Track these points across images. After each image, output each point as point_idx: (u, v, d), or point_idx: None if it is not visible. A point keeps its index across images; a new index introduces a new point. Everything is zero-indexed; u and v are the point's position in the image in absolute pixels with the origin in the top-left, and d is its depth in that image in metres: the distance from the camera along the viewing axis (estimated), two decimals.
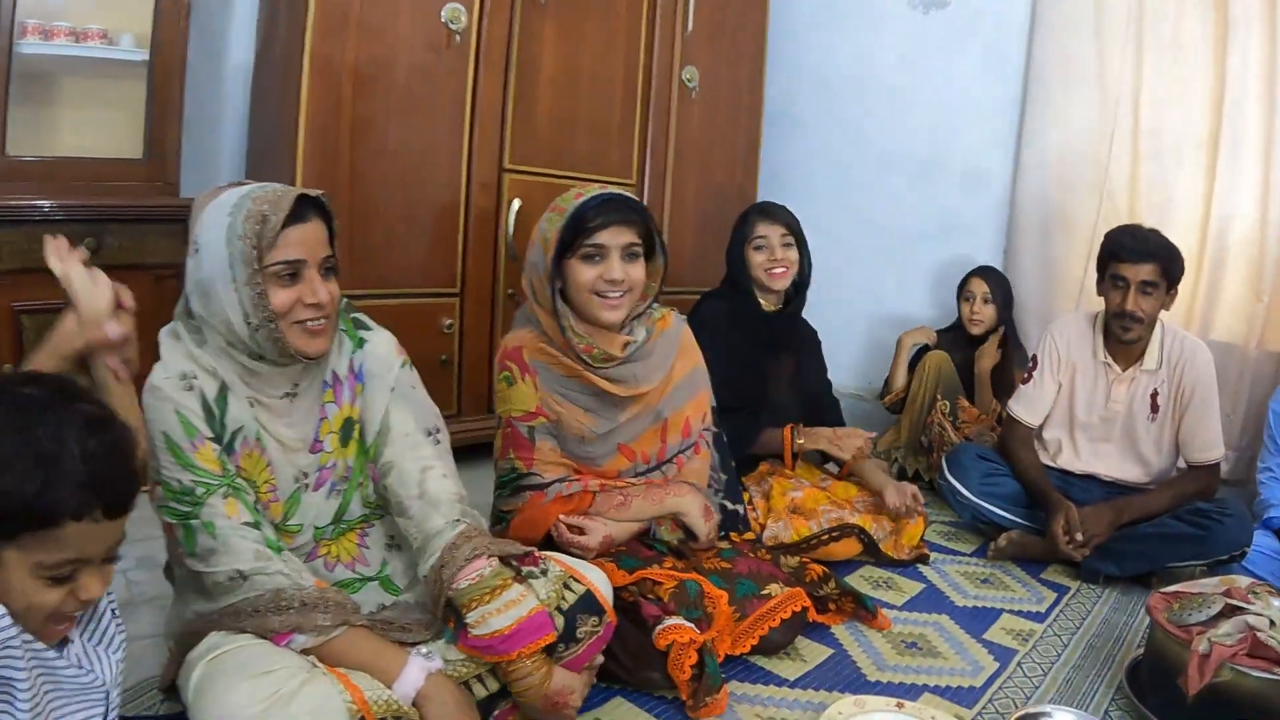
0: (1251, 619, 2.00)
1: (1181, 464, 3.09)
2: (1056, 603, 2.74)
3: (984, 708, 2.10)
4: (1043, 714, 1.97)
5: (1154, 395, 3.03)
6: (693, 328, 2.51)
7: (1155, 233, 2.98)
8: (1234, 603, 2.08)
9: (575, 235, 2.12)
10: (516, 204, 3.19)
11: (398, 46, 2.99)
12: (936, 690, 2.16)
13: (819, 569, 2.45)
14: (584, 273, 2.13)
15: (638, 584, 2.08)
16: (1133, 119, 3.81)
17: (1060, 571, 2.97)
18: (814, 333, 3.26)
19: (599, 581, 1.88)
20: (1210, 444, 3.01)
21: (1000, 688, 2.20)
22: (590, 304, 2.16)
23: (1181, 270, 2.96)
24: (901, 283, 4.36)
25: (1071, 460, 3.16)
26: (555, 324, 2.16)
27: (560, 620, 1.74)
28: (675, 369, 2.37)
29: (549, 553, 1.88)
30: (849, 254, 4.42)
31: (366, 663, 1.59)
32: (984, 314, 3.79)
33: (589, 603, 1.82)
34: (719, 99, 3.92)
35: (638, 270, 2.18)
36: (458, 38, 3.06)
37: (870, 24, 4.43)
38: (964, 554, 3.09)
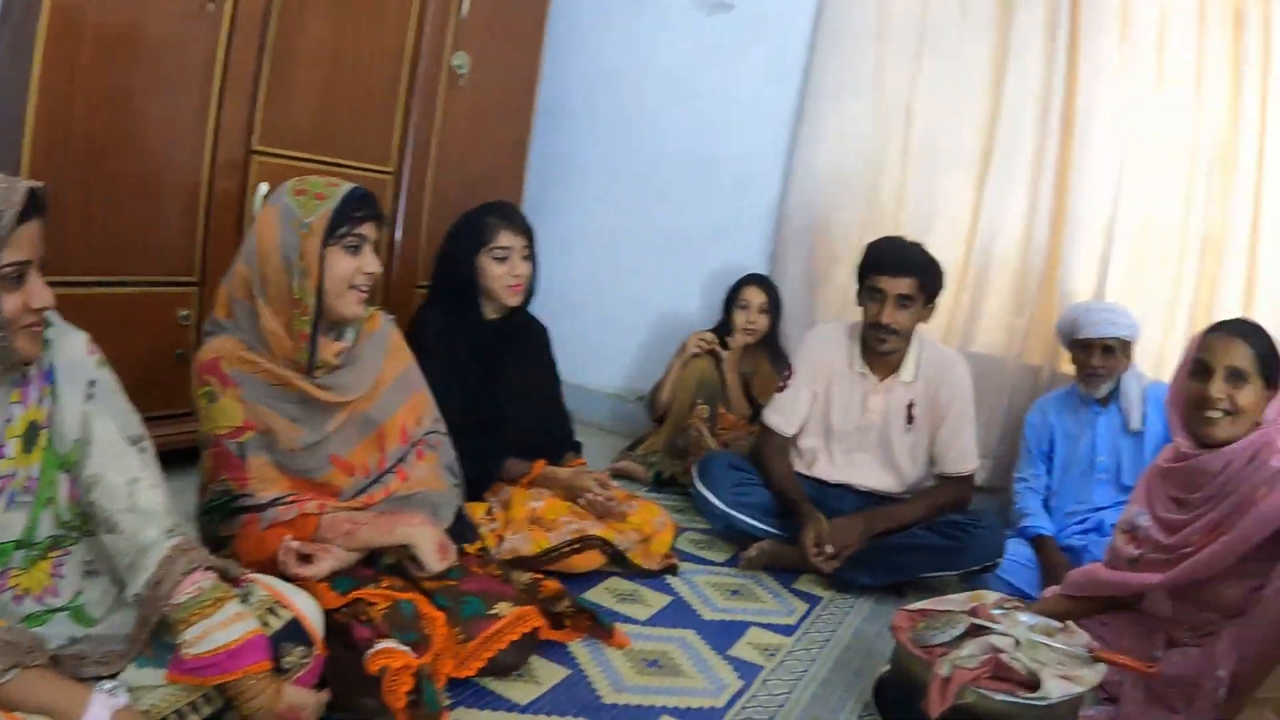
0: (995, 639, 2.05)
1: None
2: (807, 614, 2.77)
3: None
4: None
5: (910, 406, 3.11)
6: (413, 344, 2.42)
7: (916, 246, 3.07)
8: (979, 622, 2.12)
9: (343, 223, 2.03)
10: (263, 188, 2.95)
11: (149, 11, 2.70)
12: (676, 712, 2.11)
13: (553, 585, 2.37)
14: (344, 264, 2.04)
15: (350, 605, 1.96)
16: (905, 132, 3.95)
17: (813, 581, 3.00)
18: (543, 331, 3.14)
19: (306, 609, 1.76)
20: (965, 456, 3.12)
21: (743, 708, 2.18)
22: (345, 297, 2.06)
23: (940, 285, 3.06)
24: (673, 283, 4.36)
25: (827, 470, 3.21)
26: (288, 323, 2.03)
27: None
28: (385, 372, 2.27)
29: (254, 574, 1.76)
30: (619, 253, 4.41)
31: (45, 706, 1.42)
32: (759, 323, 3.83)
33: (294, 631, 1.70)
34: (490, 88, 3.79)
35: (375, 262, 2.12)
36: (211, 5, 2.80)
37: (654, 22, 4.42)
38: (716, 563, 3.07)
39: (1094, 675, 2.07)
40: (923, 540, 2.93)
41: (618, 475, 3.68)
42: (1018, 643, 2.08)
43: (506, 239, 2.80)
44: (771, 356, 3.84)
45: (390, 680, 1.83)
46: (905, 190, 3.95)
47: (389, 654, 1.85)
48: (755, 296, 3.83)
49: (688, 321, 4.18)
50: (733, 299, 3.89)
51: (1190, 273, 3.64)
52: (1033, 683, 1.96)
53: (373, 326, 2.27)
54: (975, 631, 2.11)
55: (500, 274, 2.80)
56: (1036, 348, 3.79)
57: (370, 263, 2.08)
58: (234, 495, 2.02)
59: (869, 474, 3.18)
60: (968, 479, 3.14)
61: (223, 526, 2.03)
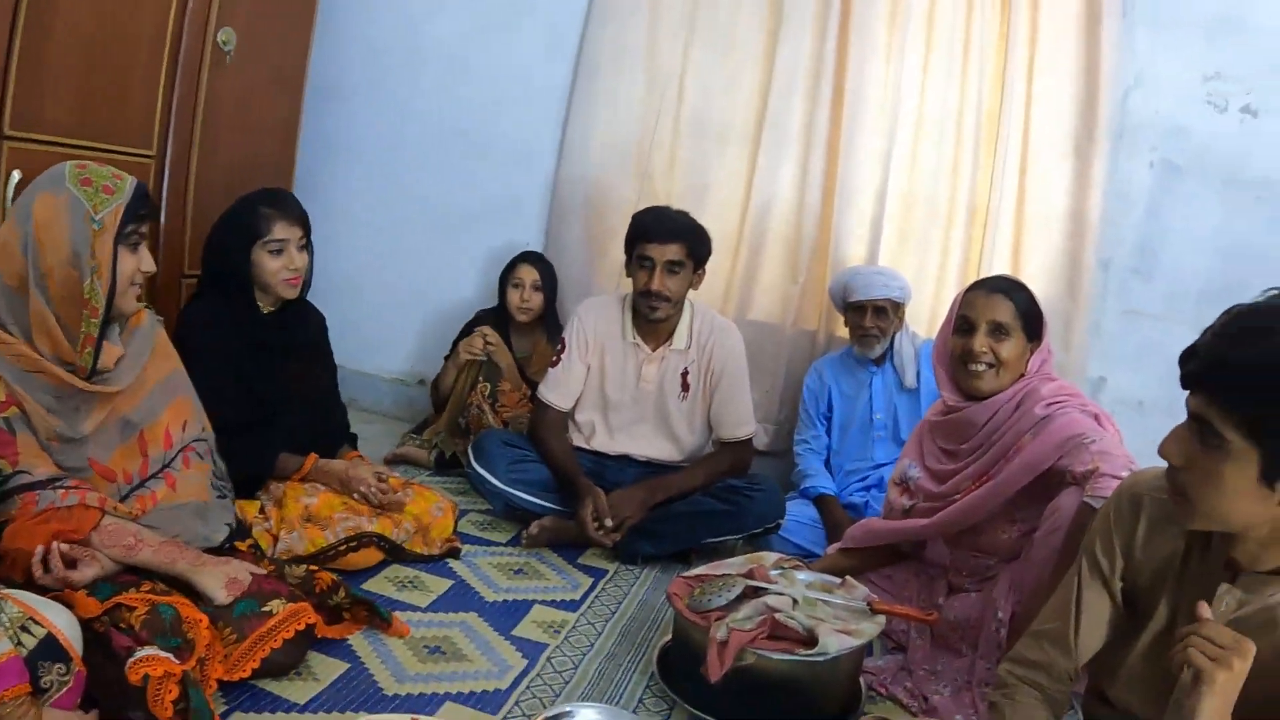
0: (772, 600, 2.19)
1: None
2: (592, 588, 2.87)
3: (510, 711, 2.13)
4: (566, 714, 2.03)
5: (684, 374, 3.26)
6: (182, 340, 2.41)
7: (682, 214, 3.20)
8: (756, 584, 2.26)
9: (130, 220, 2.04)
10: (16, 175, 2.79)
11: None
12: (459, 698, 2.17)
13: (329, 577, 2.38)
14: (129, 262, 2.05)
15: (109, 612, 1.93)
16: (678, 104, 4.08)
17: (598, 555, 3.11)
18: (321, 320, 3.10)
19: (61, 623, 1.72)
20: (741, 421, 3.28)
21: (529, 688, 2.25)
22: (127, 295, 2.08)
23: (708, 250, 3.21)
24: (451, 263, 4.37)
25: (605, 442, 3.32)
26: (74, 323, 2.01)
27: None
28: (149, 372, 2.23)
29: (5, 590, 1.71)
30: (395, 233, 4.39)
31: None
32: (534, 301, 3.89)
33: (51, 648, 1.67)
34: (259, 64, 3.68)
35: (147, 260, 2.12)
36: None
37: None
38: (498, 544, 3.14)
39: (873, 628, 2.24)
40: (703, 506, 3.08)
41: (399, 460, 3.71)
42: (795, 601, 2.22)
43: (282, 231, 2.75)
44: (548, 334, 3.92)
45: (154, 689, 1.82)
46: (678, 162, 4.09)
47: (150, 662, 1.82)
48: (528, 275, 3.89)
49: (467, 301, 4.21)
50: (506, 278, 3.94)
51: (959, 239, 3.92)
52: (810, 639, 2.10)
53: (137, 322, 2.23)
54: (752, 593, 2.24)
55: (276, 268, 2.75)
56: (811, 313, 4.00)
57: (147, 260, 2.09)
58: (5, 474, 1.95)
59: (648, 444, 3.31)
60: (746, 443, 3.31)
61: None
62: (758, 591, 2.25)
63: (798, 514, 3.38)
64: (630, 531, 3.02)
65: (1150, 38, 3.80)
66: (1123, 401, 3.90)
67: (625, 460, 3.31)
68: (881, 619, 2.29)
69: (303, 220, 2.83)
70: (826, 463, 3.66)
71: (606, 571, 3.01)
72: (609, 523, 2.98)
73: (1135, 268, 3.94)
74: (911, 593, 2.76)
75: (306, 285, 2.91)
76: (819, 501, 3.47)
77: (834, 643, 2.09)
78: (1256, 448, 1.42)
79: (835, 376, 3.68)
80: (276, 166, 3.88)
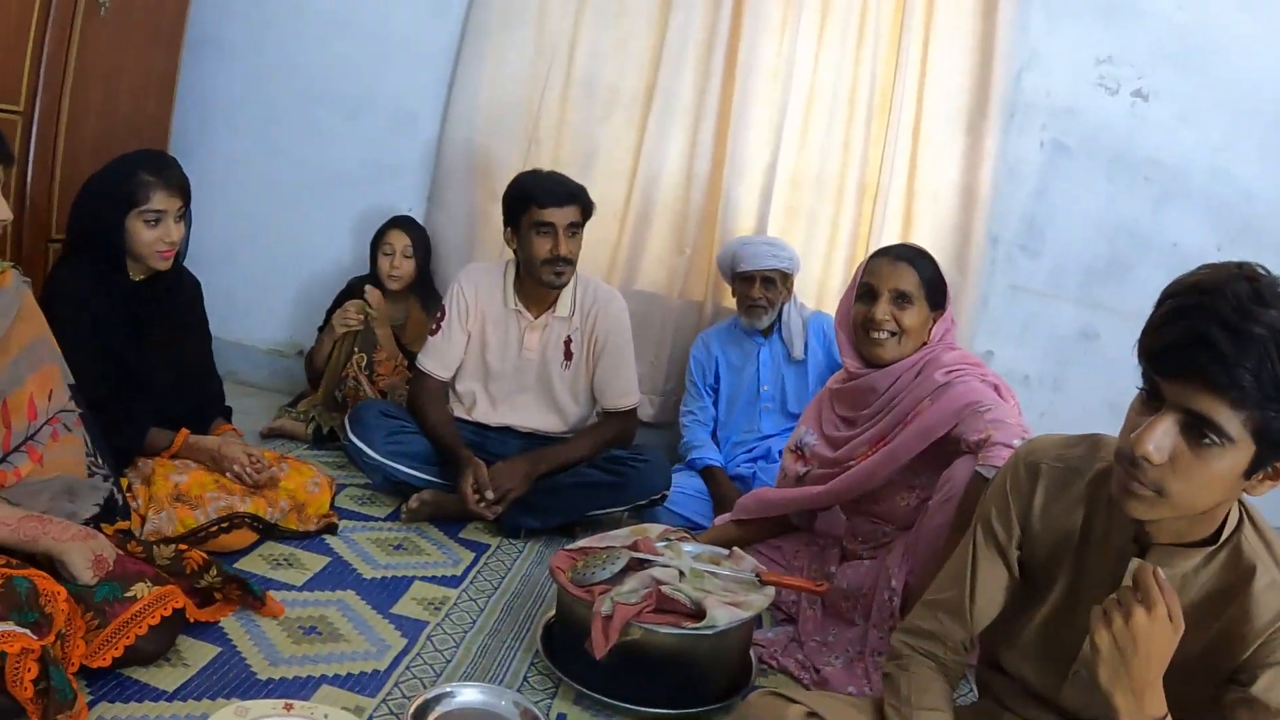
0: (658, 572, 2.19)
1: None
2: (474, 563, 2.85)
3: (389, 693, 2.10)
4: (445, 695, 2.01)
5: (567, 342, 3.24)
6: (48, 306, 2.28)
7: (568, 177, 3.19)
8: (641, 556, 2.25)
9: None
10: None
11: None
12: (336, 680, 2.13)
13: (199, 557, 2.30)
14: None
15: None
16: (567, 69, 4.04)
17: (481, 529, 3.09)
18: (196, 288, 2.99)
19: None
20: (626, 391, 3.29)
21: (409, 668, 2.23)
22: None
23: (593, 209, 3.20)
24: (330, 229, 4.27)
25: (487, 413, 3.30)
26: None
27: None
28: (13, 337, 2.12)
29: None
30: (274, 197, 4.27)
31: None
32: (404, 268, 3.82)
33: None
34: (135, 18, 3.54)
35: None
36: None
37: None
38: (378, 519, 3.09)
39: (762, 599, 2.25)
40: (588, 478, 3.08)
41: (276, 434, 3.63)
42: (682, 574, 2.22)
43: (161, 201, 2.61)
44: (423, 301, 3.87)
45: (12, 668, 1.74)
46: (566, 127, 4.06)
47: (6, 638, 1.75)
48: (398, 240, 3.83)
49: (345, 269, 4.13)
50: (376, 244, 3.87)
51: (849, 212, 3.99)
52: (698, 612, 2.11)
53: (3, 283, 2.11)
54: (637, 566, 2.23)
55: (151, 239, 2.61)
56: (698, 284, 4.03)
57: (2, 208, 1.97)
58: None
59: (530, 415, 3.30)
60: (631, 413, 3.32)
61: None
62: (643, 564, 2.25)
63: (684, 486, 3.39)
64: (513, 505, 3.01)
65: (1045, 19, 3.93)
66: (1009, 375, 4.00)
67: (508, 432, 3.29)
68: (771, 590, 2.32)
69: (184, 190, 2.70)
70: (713, 435, 3.69)
71: (489, 546, 2.99)
72: (490, 495, 2.95)
73: (1023, 244, 4.06)
74: (803, 563, 2.79)
75: (181, 255, 2.81)
76: (705, 473, 3.49)
77: (723, 615, 2.10)
78: (1255, 444, 1.38)
79: (722, 347, 3.70)
80: (152, 125, 3.77)
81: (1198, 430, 1.38)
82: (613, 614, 2.06)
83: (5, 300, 2.12)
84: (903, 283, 2.53)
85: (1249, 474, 1.41)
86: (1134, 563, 1.49)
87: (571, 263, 3.13)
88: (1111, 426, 4.36)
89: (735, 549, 2.48)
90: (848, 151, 3.98)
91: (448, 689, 2.03)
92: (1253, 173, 4.07)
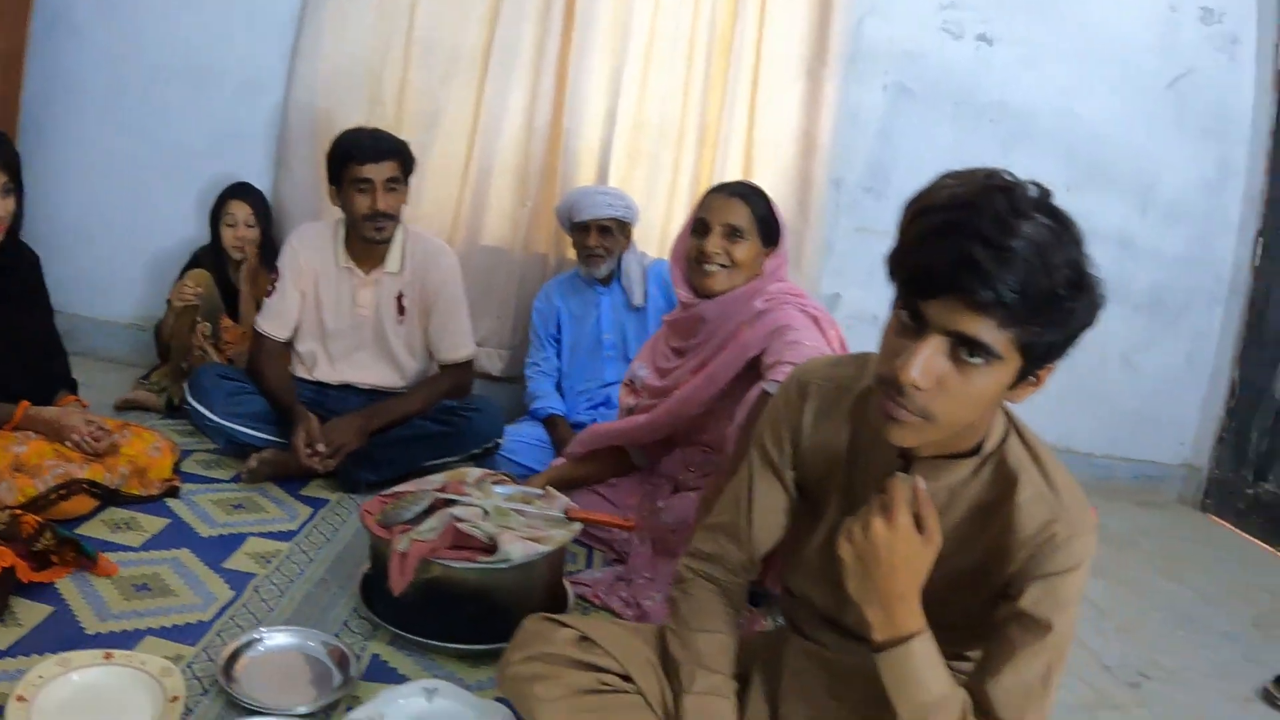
0: (458, 510, 2.34)
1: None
2: (310, 519, 2.99)
3: (209, 642, 2.24)
4: (257, 640, 2.17)
5: (399, 297, 3.38)
6: None
7: (384, 131, 3.30)
8: (446, 496, 2.41)
9: None
10: None
11: None
12: (160, 632, 2.26)
13: (33, 520, 2.43)
14: None
15: None
16: (408, 30, 4.12)
17: (321, 486, 3.22)
18: (34, 262, 3.06)
19: None
20: (460, 343, 3.44)
21: (231, 617, 2.37)
22: None
23: (414, 163, 3.33)
24: (178, 202, 4.30)
25: (327, 371, 3.44)
26: None
27: None
28: None
29: None
30: (123, 174, 4.30)
31: None
32: (248, 237, 3.90)
33: None
34: None
35: None
36: None
37: None
38: (222, 481, 3.21)
39: (565, 534, 2.41)
40: (422, 430, 3.24)
41: (131, 405, 3.70)
42: (485, 512, 2.37)
43: None
44: (270, 267, 3.93)
45: None
46: (409, 88, 4.15)
47: None
48: (239, 210, 3.90)
49: (193, 240, 4.18)
50: (217, 215, 3.94)
51: (689, 160, 4.15)
52: (493, 548, 2.26)
53: None
54: (443, 506, 2.38)
55: None
56: (542, 237, 4.17)
57: None
58: None
59: (369, 372, 3.44)
60: (466, 365, 3.48)
61: None
62: (449, 504, 2.38)
63: (526, 435, 3.55)
64: (350, 458, 3.15)
65: None
66: (858, 317, 4.21)
67: (348, 390, 3.43)
68: (577, 526, 2.46)
69: (8, 164, 2.77)
70: (558, 385, 3.82)
71: (328, 501, 3.13)
72: (321, 448, 3.08)
73: (868, 187, 4.24)
74: (635, 501, 2.94)
75: (16, 229, 2.89)
76: (548, 422, 3.66)
77: (517, 550, 2.25)
78: (1021, 357, 1.37)
79: (564, 298, 3.85)
80: (3, 105, 3.81)
81: (966, 349, 1.34)
82: (409, 550, 2.21)
83: None
84: (734, 217, 2.68)
85: (1013, 385, 1.41)
86: (898, 476, 1.50)
87: (392, 217, 3.25)
88: None
89: (549, 489, 2.64)
90: (687, 99, 4.12)
91: (260, 634, 2.19)
92: (1100, 114, 4.29)
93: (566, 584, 2.58)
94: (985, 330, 1.32)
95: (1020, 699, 1.48)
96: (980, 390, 1.37)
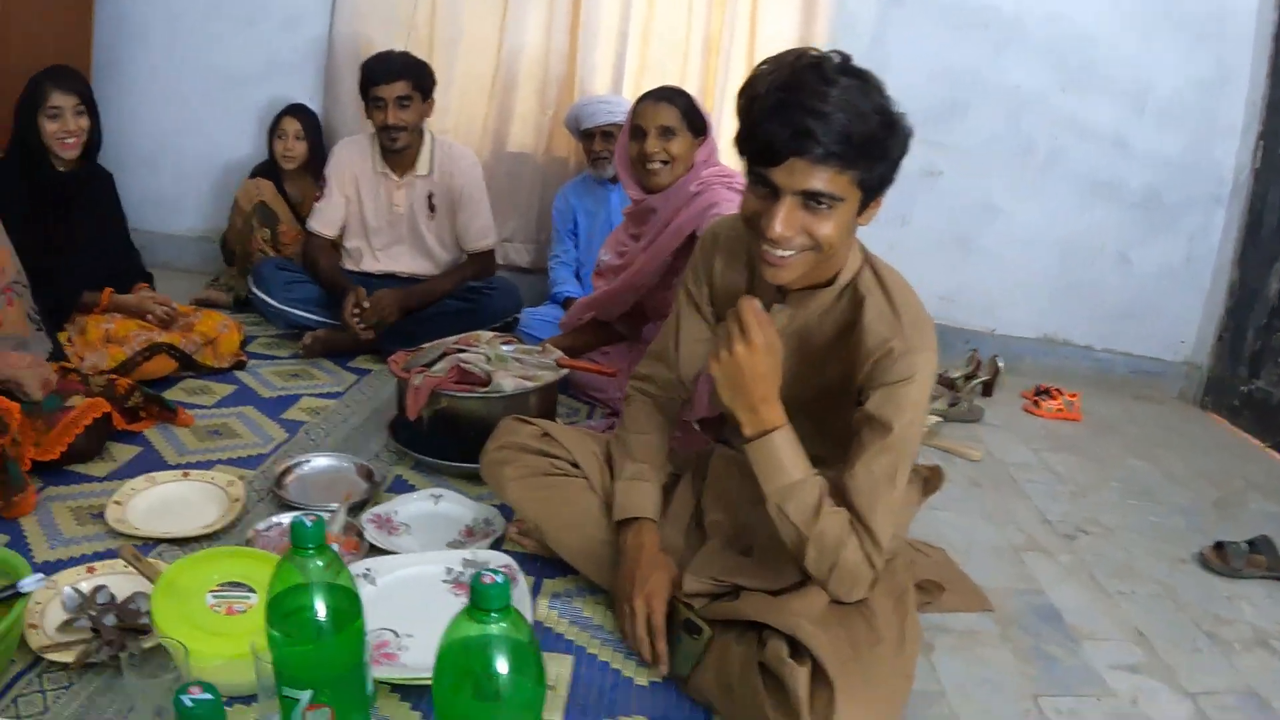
0: (465, 356, 2.85)
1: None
2: (356, 384, 3.53)
3: (266, 467, 2.79)
4: (303, 461, 2.74)
5: (430, 197, 3.90)
6: None
7: (404, 54, 3.79)
8: (457, 348, 2.92)
9: None
10: None
11: None
12: (227, 462, 2.82)
13: (126, 382, 2.99)
14: None
15: None
16: None
17: (367, 360, 3.76)
18: (108, 178, 3.64)
19: None
20: (483, 234, 3.98)
21: (285, 449, 2.93)
22: None
23: (432, 81, 3.81)
24: (236, 126, 4.81)
25: (371, 264, 3.99)
26: None
27: None
28: None
29: None
30: (186, 103, 4.79)
31: None
32: (296, 150, 4.36)
33: None
34: None
35: None
36: None
37: None
38: (282, 357, 3.77)
39: (551, 375, 2.90)
40: (448, 307, 3.78)
41: (203, 303, 4.21)
42: (488, 359, 2.89)
43: (58, 99, 3.27)
44: (317, 179, 4.38)
45: None
46: (437, 13, 4.55)
47: None
48: (290, 125, 4.36)
49: (249, 159, 4.69)
50: (272, 131, 4.42)
51: (695, 70, 4.52)
52: (488, 381, 2.78)
53: None
54: (454, 353, 2.90)
55: (54, 130, 3.28)
56: (562, 142, 4.61)
57: None
58: None
59: (407, 262, 3.99)
60: (489, 254, 4.02)
61: None
62: (459, 353, 2.90)
63: (547, 315, 4.02)
64: (387, 334, 3.67)
65: None
66: None
67: (390, 278, 3.96)
68: (564, 371, 2.98)
69: (77, 88, 3.35)
70: (577, 274, 4.30)
71: (371, 371, 3.67)
72: (366, 304, 3.63)
73: None
74: (622, 363, 3.42)
75: (95, 147, 3.46)
76: (565, 303, 4.11)
77: (509, 384, 2.76)
78: (860, 191, 1.70)
79: (578, 197, 4.30)
80: (75, 47, 4.30)
81: (814, 201, 1.67)
82: (421, 384, 2.74)
83: None
84: (665, 119, 3.11)
85: (859, 213, 1.75)
86: (775, 307, 1.88)
87: (403, 129, 3.74)
88: (955, 257, 5.13)
89: (547, 344, 3.15)
90: (691, 12, 4.47)
91: (306, 457, 2.76)
92: (1091, 16, 4.39)
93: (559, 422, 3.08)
94: (825, 181, 1.65)
95: (869, 490, 1.76)
96: (834, 225, 1.70)
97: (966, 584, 2.47)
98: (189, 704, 1.11)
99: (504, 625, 1.28)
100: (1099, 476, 3.44)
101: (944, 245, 4.54)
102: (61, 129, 3.30)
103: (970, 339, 4.54)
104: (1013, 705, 2.06)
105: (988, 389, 4.08)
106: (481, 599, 1.26)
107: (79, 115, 3.33)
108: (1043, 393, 4.07)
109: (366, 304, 3.63)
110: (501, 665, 1.28)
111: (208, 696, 1.12)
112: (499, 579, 1.26)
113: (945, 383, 3.97)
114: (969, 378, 4.06)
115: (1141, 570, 2.75)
